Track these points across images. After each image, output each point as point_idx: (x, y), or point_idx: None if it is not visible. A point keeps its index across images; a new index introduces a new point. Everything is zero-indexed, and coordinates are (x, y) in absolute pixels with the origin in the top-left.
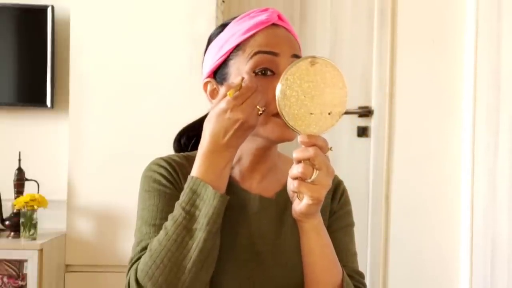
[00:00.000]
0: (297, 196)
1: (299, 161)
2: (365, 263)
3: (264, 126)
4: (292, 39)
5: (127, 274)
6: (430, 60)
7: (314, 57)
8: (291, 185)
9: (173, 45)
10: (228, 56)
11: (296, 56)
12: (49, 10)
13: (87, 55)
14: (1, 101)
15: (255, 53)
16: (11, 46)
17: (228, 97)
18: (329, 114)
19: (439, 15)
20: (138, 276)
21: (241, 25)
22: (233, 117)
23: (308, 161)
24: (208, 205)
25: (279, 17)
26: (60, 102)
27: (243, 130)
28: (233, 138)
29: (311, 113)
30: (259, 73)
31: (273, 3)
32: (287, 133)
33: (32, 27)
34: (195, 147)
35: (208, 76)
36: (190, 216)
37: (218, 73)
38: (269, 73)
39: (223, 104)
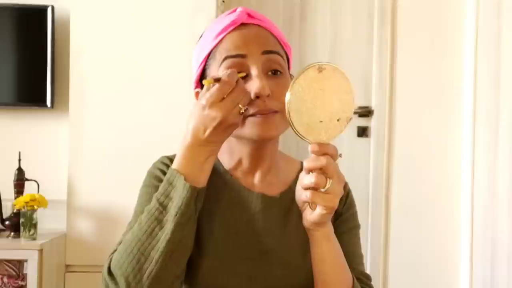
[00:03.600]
0: (310, 206)
1: (310, 171)
2: (365, 263)
3: (243, 128)
4: (264, 35)
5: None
6: (430, 60)
7: (321, 63)
8: (303, 195)
9: (173, 45)
10: (205, 65)
11: (269, 52)
12: (49, 10)
13: (87, 55)
14: (1, 101)
15: (224, 59)
16: (11, 46)
17: (206, 93)
18: (337, 120)
19: (439, 15)
20: (111, 264)
21: (211, 31)
22: (211, 114)
23: (320, 170)
24: (178, 196)
25: (249, 15)
26: (60, 102)
27: (223, 127)
28: (213, 134)
29: (321, 121)
30: None
31: (273, 4)
32: (266, 131)
33: (32, 27)
34: None
35: (196, 86)
36: (163, 207)
37: (202, 82)
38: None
39: (202, 100)
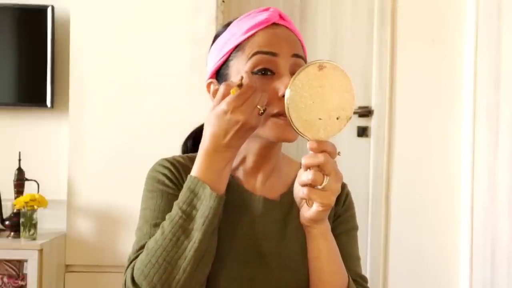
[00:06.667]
0: (306, 203)
1: (307, 168)
2: (365, 263)
3: (263, 127)
4: (294, 38)
5: (125, 273)
6: (430, 60)
7: (322, 61)
8: (300, 192)
9: (173, 45)
10: (229, 57)
11: (297, 56)
12: (49, 10)
13: (87, 55)
14: (1, 101)
15: (254, 54)
16: (11, 46)
17: (227, 99)
18: (337, 118)
19: (439, 15)
20: (134, 274)
21: (241, 25)
22: (234, 118)
23: (317, 168)
24: (205, 205)
25: (281, 16)
26: (60, 102)
27: (244, 131)
28: (233, 138)
29: (320, 118)
30: (259, 73)
31: (273, 3)
32: (286, 134)
33: (32, 27)
34: None
35: (211, 77)
36: (186, 215)
37: (220, 74)
38: (269, 73)
39: (223, 105)
